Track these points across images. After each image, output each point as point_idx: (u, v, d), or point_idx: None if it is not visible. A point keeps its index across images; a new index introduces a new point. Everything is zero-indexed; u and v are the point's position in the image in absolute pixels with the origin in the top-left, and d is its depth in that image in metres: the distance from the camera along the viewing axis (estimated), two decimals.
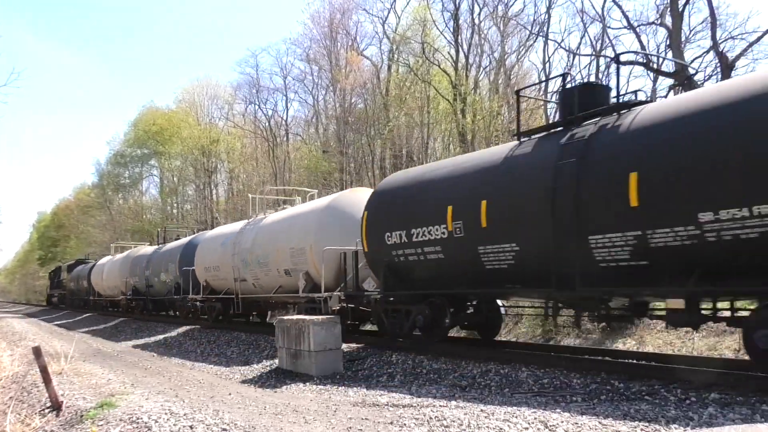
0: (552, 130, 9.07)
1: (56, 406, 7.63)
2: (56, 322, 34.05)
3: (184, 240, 24.76)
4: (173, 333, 19.99)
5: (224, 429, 5.89)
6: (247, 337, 15.76)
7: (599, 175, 7.55)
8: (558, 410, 6.24)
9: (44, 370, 8.01)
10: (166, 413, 6.47)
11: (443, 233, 9.70)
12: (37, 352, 8.30)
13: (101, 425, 6.25)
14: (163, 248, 26.45)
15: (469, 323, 11.75)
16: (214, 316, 19.61)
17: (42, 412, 7.71)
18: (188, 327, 20.41)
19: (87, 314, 36.44)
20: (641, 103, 8.14)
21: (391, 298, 11.21)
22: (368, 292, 12.31)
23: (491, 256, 9.01)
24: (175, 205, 56.80)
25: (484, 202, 9.01)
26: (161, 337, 19.96)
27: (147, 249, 29.88)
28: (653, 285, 7.25)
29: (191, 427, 5.94)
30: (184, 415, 6.43)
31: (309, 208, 14.85)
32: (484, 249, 9.06)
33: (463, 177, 9.72)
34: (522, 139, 9.31)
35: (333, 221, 13.52)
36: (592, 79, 22.79)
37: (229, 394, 8.94)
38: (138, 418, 6.26)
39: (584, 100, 8.59)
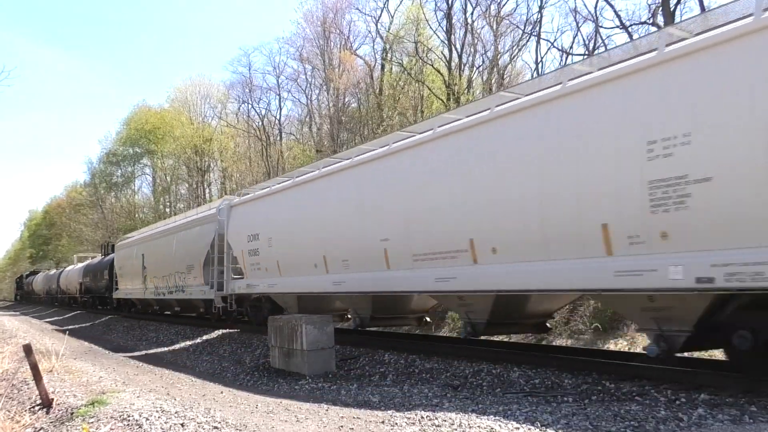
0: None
1: (47, 404, 7.59)
2: (47, 320, 33.94)
3: (61, 268, 50.02)
4: (163, 331, 19.94)
5: (215, 427, 5.87)
6: (240, 336, 15.74)
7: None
8: (549, 410, 6.26)
9: (35, 368, 7.97)
10: (157, 411, 6.45)
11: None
12: (27, 349, 8.26)
13: (92, 422, 6.22)
14: (55, 272, 51.49)
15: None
16: (67, 304, 43.99)
17: (32, 409, 7.68)
18: (178, 326, 20.38)
19: (77, 312, 36.92)
20: None
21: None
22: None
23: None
24: (168, 204, 56.59)
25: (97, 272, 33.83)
26: (152, 335, 19.92)
27: (51, 271, 55.64)
28: None
29: (182, 425, 5.92)
30: (176, 413, 6.41)
31: (78, 265, 40.89)
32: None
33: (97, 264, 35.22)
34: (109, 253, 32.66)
35: (83, 271, 37.05)
36: None
37: (221, 392, 8.93)
38: (129, 416, 6.23)
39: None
